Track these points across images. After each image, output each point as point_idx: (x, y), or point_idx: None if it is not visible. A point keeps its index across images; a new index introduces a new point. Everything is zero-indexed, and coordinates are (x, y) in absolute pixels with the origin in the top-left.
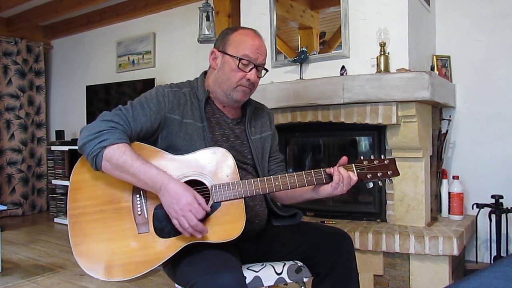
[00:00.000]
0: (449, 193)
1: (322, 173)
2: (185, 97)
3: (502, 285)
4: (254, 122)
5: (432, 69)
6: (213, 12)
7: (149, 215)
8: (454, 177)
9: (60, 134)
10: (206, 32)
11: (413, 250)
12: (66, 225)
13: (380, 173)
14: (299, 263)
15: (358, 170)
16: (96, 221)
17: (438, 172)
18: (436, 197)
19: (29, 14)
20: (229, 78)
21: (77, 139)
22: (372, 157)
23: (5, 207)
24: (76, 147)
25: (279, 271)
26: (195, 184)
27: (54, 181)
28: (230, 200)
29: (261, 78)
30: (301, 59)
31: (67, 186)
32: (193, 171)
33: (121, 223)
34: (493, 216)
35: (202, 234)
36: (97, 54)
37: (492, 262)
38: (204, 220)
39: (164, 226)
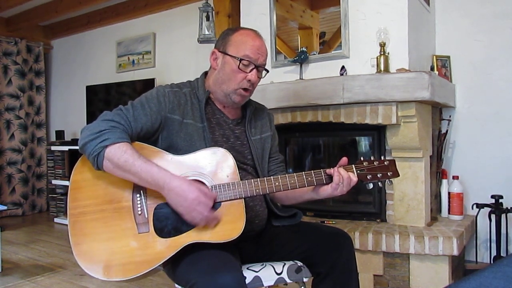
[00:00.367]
0: (449, 193)
1: (322, 173)
2: (185, 98)
3: (502, 285)
4: (254, 122)
5: (432, 69)
6: (213, 12)
7: (149, 215)
8: (454, 177)
9: (60, 134)
10: (206, 32)
11: (413, 250)
12: (66, 225)
13: (380, 174)
14: (299, 263)
15: (358, 171)
16: (96, 220)
17: (438, 172)
18: (436, 197)
19: (29, 14)
20: (229, 78)
21: (77, 139)
22: (372, 158)
23: (5, 207)
24: (76, 147)
25: (279, 271)
26: None
27: (54, 181)
28: (230, 200)
29: (261, 79)
30: (301, 59)
31: (67, 186)
32: (193, 171)
33: (121, 223)
34: (493, 216)
35: (214, 222)
36: (97, 54)
37: (492, 262)
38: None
39: (164, 226)
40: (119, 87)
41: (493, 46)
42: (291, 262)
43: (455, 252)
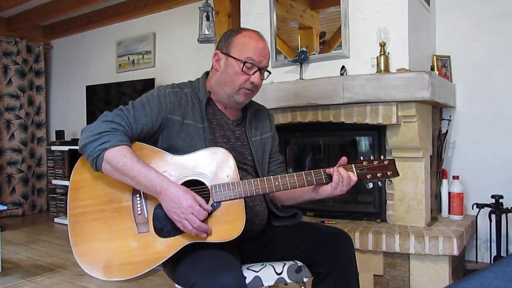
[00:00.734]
0: (449, 193)
1: (322, 173)
2: (186, 98)
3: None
4: (255, 123)
5: (432, 69)
6: (213, 12)
7: (149, 215)
8: (454, 177)
9: (60, 134)
10: (206, 32)
11: (413, 250)
12: (66, 225)
13: (380, 174)
14: (299, 263)
15: (358, 171)
16: (96, 220)
17: (438, 172)
18: (436, 197)
19: (29, 14)
20: (232, 80)
21: (77, 139)
22: (372, 158)
23: (5, 207)
24: (76, 147)
25: (279, 271)
26: (195, 184)
27: (54, 181)
28: (230, 200)
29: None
30: (301, 59)
31: (67, 186)
32: (193, 171)
33: (121, 223)
34: (493, 216)
35: (206, 233)
36: (97, 54)
37: (492, 262)
38: (206, 219)
39: (164, 226)
40: (119, 87)
41: (493, 46)
42: (291, 262)
43: (455, 252)
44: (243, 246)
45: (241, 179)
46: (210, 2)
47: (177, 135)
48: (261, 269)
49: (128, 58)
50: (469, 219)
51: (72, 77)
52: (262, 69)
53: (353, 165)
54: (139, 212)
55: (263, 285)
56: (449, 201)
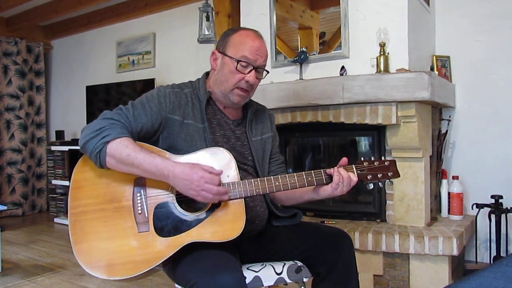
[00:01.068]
0: (448, 193)
1: (322, 173)
2: (186, 98)
3: (502, 285)
4: (255, 123)
5: (432, 69)
6: (213, 12)
7: (150, 214)
8: (454, 177)
9: (60, 134)
10: (206, 33)
11: (413, 250)
12: (66, 225)
13: (381, 174)
14: (299, 263)
15: (358, 171)
16: (97, 219)
17: (438, 172)
18: (436, 197)
19: (29, 14)
20: (227, 79)
21: (77, 139)
22: (372, 158)
23: (5, 207)
24: (76, 147)
25: (279, 271)
26: None
27: (54, 181)
28: (230, 200)
29: (261, 80)
30: (301, 59)
31: (67, 186)
32: None
33: (122, 222)
34: (493, 216)
35: (227, 195)
36: (97, 54)
37: (491, 262)
38: (206, 219)
39: (164, 225)
40: (119, 87)
41: (493, 46)
42: (291, 262)
43: (455, 252)
44: (243, 246)
45: (241, 179)
46: (210, 3)
47: (178, 135)
48: (261, 269)
49: (128, 58)
50: (468, 219)
51: (72, 77)
52: (258, 68)
53: (353, 166)
54: (140, 211)
55: (263, 285)
56: (449, 201)
